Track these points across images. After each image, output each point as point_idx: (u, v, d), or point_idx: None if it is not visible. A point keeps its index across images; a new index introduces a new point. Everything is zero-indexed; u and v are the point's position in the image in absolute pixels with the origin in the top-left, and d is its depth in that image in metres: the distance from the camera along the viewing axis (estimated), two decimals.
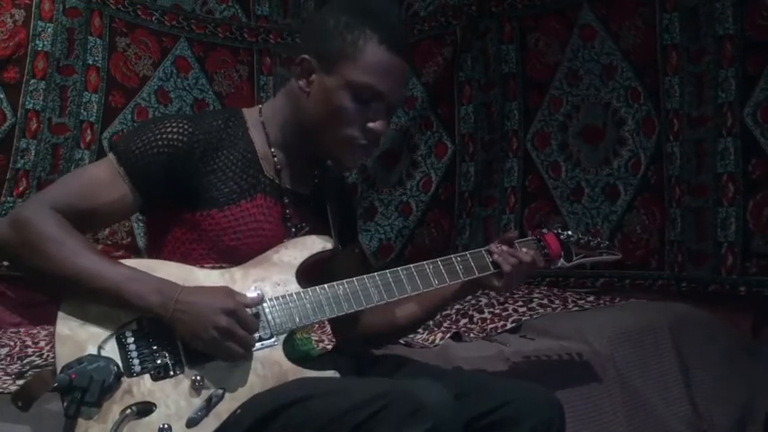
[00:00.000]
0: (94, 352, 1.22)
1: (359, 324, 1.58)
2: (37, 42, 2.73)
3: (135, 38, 3.04)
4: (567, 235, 1.63)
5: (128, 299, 1.24)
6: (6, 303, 2.56)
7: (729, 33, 2.57)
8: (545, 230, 1.62)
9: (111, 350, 1.23)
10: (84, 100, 2.88)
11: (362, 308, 1.38)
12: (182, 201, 1.35)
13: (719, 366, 2.24)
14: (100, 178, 1.34)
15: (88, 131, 2.88)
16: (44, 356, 1.99)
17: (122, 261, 1.31)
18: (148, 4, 3.08)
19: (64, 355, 1.22)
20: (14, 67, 2.69)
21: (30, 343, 2.19)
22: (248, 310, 1.29)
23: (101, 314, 1.25)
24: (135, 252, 2.83)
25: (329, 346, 1.77)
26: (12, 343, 2.18)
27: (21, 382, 1.69)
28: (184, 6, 3.19)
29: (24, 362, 1.94)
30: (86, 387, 1.16)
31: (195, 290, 1.27)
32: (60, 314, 1.26)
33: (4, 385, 1.67)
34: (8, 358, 2.02)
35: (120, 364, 1.22)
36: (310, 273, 1.39)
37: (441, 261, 1.46)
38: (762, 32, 2.51)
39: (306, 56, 1.38)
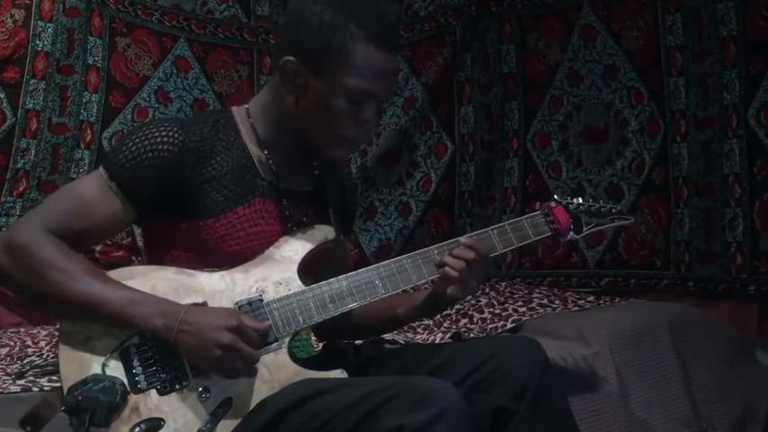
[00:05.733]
0: (99, 371, 1.20)
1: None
2: (37, 42, 2.73)
3: (135, 38, 3.04)
4: (577, 204, 1.56)
5: (132, 322, 1.22)
6: (6, 303, 2.56)
7: (732, 35, 2.57)
8: (553, 204, 1.53)
9: (116, 367, 1.21)
10: (84, 100, 2.87)
11: (367, 301, 1.35)
12: (177, 211, 1.33)
13: (719, 366, 2.24)
14: (92, 195, 1.30)
15: (88, 131, 2.88)
16: (44, 356, 1.99)
17: (127, 269, 1.29)
18: (148, 5, 3.08)
19: (70, 375, 1.20)
20: (14, 67, 2.69)
21: (30, 343, 2.18)
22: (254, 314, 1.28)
23: (103, 330, 1.23)
24: (135, 252, 2.82)
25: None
26: (12, 343, 2.18)
27: (20, 381, 1.69)
28: (184, 6, 3.19)
29: (24, 362, 1.94)
30: (94, 408, 1.15)
31: (198, 310, 1.25)
32: (62, 333, 1.24)
33: (4, 385, 1.66)
34: (8, 358, 2.02)
35: (126, 382, 1.20)
36: (313, 265, 1.38)
37: (446, 245, 1.41)
38: (763, 33, 2.51)
39: (290, 57, 1.33)
